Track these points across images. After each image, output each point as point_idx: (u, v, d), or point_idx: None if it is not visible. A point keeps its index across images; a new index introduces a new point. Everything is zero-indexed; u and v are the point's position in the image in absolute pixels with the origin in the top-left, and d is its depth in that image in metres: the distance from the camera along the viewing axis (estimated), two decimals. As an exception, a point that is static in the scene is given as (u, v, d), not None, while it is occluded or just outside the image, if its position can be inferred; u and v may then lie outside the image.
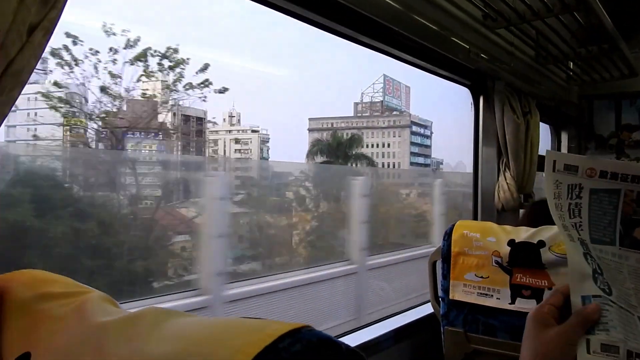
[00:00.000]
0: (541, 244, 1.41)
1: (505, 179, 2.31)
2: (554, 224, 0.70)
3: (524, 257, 1.43)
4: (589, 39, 2.59)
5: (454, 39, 2.05)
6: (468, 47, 2.11)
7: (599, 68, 2.97)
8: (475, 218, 2.36)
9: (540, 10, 2.09)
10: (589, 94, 3.43)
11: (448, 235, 1.57)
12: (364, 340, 1.66)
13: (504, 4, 2.01)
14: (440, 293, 1.62)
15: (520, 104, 2.42)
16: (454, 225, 1.58)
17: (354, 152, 36.87)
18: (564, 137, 3.44)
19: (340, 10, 1.53)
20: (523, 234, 1.45)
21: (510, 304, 1.46)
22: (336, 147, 36.19)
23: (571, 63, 2.96)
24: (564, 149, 3.43)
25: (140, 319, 0.46)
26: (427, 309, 1.82)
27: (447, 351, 1.60)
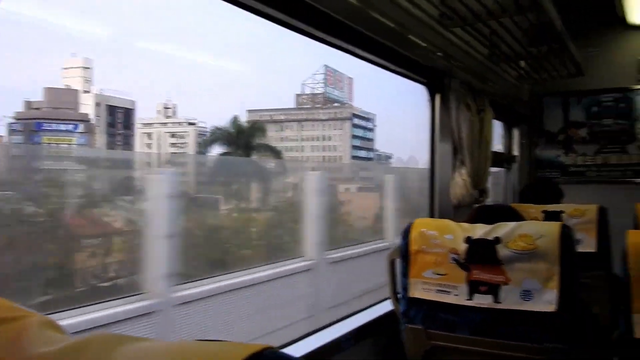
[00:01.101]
0: (497, 240, 1.44)
1: (461, 175, 2.35)
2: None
3: (480, 253, 1.46)
4: (539, 38, 2.66)
5: (411, 37, 2.07)
6: (425, 45, 2.13)
7: (549, 67, 3.06)
8: (431, 214, 2.39)
9: (496, 10, 2.14)
10: (540, 92, 3.54)
11: (406, 234, 1.58)
12: (326, 341, 1.65)
13: (460, 3, 2.04)
14: (399, 291, 1.63)
15: (475, 102, 2.47)
16: (412, 223, 1.60)
17: (257, 142, 33.31)
18: (516, 134, 3.54)
19: (297, 4, 1.51)
20: (479, 231, 1.48)
21: (467, 300, 1.48)
22: (236, 136, 32.39)
23: (523, 62, 3.03)
24: (516, 145, 3.53)
25: (86, 348, 0.42)
26: (387, 307, 1.83)
27: (408, 348, 1.62)
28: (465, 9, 2.13)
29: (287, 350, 1.58)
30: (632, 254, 1.20)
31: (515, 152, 3.54)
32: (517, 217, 1.63)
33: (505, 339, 1.45)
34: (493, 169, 3.55)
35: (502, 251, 1.43)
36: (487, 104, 2.56)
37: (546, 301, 1.38)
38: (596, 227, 2.31)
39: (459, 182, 2.35)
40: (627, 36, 3.34)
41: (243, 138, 31.96)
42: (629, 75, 3.34)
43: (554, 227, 1.40)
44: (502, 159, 3.43)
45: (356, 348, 1.73)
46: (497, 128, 3.53)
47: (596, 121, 3.40)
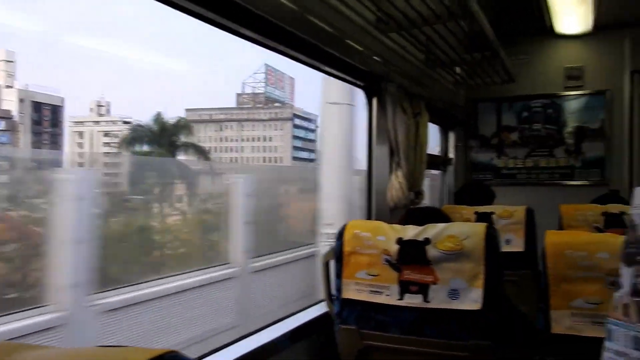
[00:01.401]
0: (426, 241, 1.48)
1: (397, 178, 2.40)
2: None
3: (411, 254, 1.49)
4: (473, 46, 2.75)
5: (349, 41, 2.09)
6: (362, 49, 2.16)
7: (482, 73, 3.18)
8: (369, 216, 2.43)
9: (430, 17, 2.19)
10: (474, 97, 3.66)
11: (340, 235, 1.60)
12: (261, 344, 1.65)
13: (396, 9, 2.09)
14: (333, 292, 1.65)
15: (411, 106, 2.52)
16: (345, 225, 1.62)
17: (183, 141, 31.19)
18: (452, 137, 3.65)
19: (236, 9, 1.50)
20: (410, 232, 1.51)
21: (399, 299, 1.52)
22: (159, 134, 30.27)
23: (458, 68, 3.13)
24: (451, 148, 3.64)
25: None
26: (323, 308, 1.84)
27: (342, 349, 1.64)
28: (400, 15, 2.18)
29: (221, 353, 1.57)
30: (550, 253, 1.27)
31: (451, 155, 3.64)
32: (445, 218, 1.68)
33: (434, 337, 1.49)
34: (430, 172, 3.66)
35: (431, 252, 1.47)
36: (423, 108, 2.62)
37: (472, 300, 1.43)
38: (524, 227, 2.42)
39: (395, 185, 2.40)
40: (554, 45, 3.51)
41: (166, 136, 30.14)
42: (556, 83, 3.50)
43: (479, 228, 1.45)
44: (439, 162, 3.53)
45: (291, 349, 1.73)
46: (434, 131, 3.63)
47: (526, 126, 3.56)
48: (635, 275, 0.86)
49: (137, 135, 31.00)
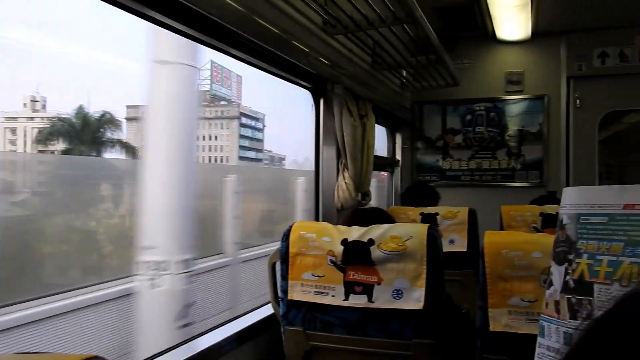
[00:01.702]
0: (371, 242, 1.50)
1: (344, 179, 2.42)
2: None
3: (355, 255, 1.51)
4: (418, 50, 2.81)
5: (295, 43, 2.09)
6: (309, 51, 2.17)
7: (428, 77, 3.25)
8: (316, 217, 2.43)
9: (375, 20, 2.22)
10: (420, 100, 3.74)
11: (286, 237, 1.60)
12: (206, 346, 1.62)
13: (342, 12, 2.11)
14: (279, 294, 1.65)
15: (358, 108, 2.55)
16: (291, 226, 1.62)
17: (107, 138, 27.77)
18: (399, 139, 3.71)
19: (180, 8, 1.48)
20: (355, 233, 1.53)
21: (344, 300, 1.53)
22: (81, 130, 26.80)
23: (404, 71, 3.20)
24: (398, 149, 3.70)
25: None
26: (270, 310, 1.84)
27: (288, 350, 1.63)
28: (347, 17, 2.20)
29: (167, 356, 1.54)
30: (488, 253, 1.30)
31: (399, 156, 3.70)
32: (389, 219, 1.71)
33: (378, 337, 1.51)
34: (378, 173, 3.71)
35: (375, 252, 1.49)
36: (370, 110, 2.66)
37: (415, 299, 1.45)
38: (467, 228, 2.48)
39: (343, 186, 2.42)
40: (496, 51, 3.63)
41: (89, 132, 27.04)
42: (498, 87, 3.63)
43: (421, 228, 1.48)
44: (386, 163, 3.59)
45: (238, 351, 1.71)
46: (382, 133, 3.68)
47: (470, 129, 3.66)
48: (565, 273, 0.90)
49: (55, 130, 27.68)
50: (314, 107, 2.48)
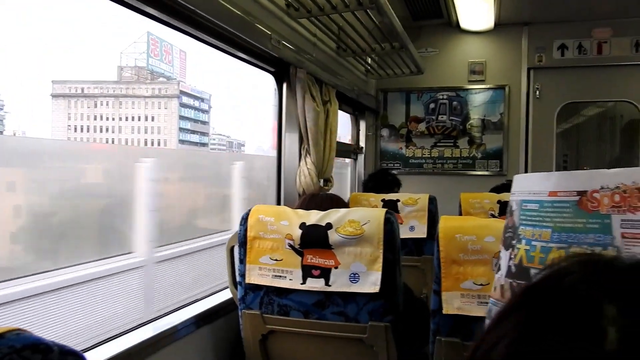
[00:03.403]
0: (329, 226, 1.50)
1: (306, 164, 2.41)
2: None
3: (313, 239, 1.51)
4: (382, 37, 2.82)
5: (258, 25, 2.07)
6: (272, 34, 2.14)
7: (392, 64, 3.26)
8: (278, 202, 2.43)
9: (338, 4, 2.21)
10: (385, 87, 3.76)
11: (244, 220, 1.59)
12: (162, 329, 1.60)
13: (305, -5, 2.09)
14: (237, 277, 1.64)
15: (321, 93, 2.54)
16: (250, 210, 1.61)
17: None
18: (363, 126, 3.72)
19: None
20: (313, 217, 1.53)
21: (301, 284, 1.53)
22: None
23: (369, 58, 3.20)
24: (362, 136, 3.71)
25: None
26: (228, 294, 1.83)
27: (245, 333, 1.63)
28: (310, 1, 2.19)
29: (124, 338, 1.51)
30: (442, 237, 1.32)
31: (362, 143, 3.72)
32: (342, 204, 1.72)
33: (335, 320, 1.52)
34: (343, 159, 3.72)
35: (333, 236, 1.50)
36: (334, 96, 2.65)
37: (371, 283, 1.47)
38: (427, 214, 2.51)
39: (305, 171, 2.41)
40: (460, 40, 3.67)
41: None
42: (461, 76, 3.67)
43: (378, 213, 1.49)
44: (350, 150, 3.60)
45: (195, 335, 1.70)
46: (347, 120, 3.68)
47: (433, 117, 3.70)
48: (509, 258, 0.92)
49: None
50: (277, 92, 2.46)
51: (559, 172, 0.87)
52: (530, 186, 0.90)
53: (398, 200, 2.55)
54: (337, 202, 1.74)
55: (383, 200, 2.59)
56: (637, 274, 0.36)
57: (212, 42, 1.97)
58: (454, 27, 3.60)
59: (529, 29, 3.52)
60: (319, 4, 2.21)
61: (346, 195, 3.33)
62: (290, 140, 2.46)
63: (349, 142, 3.69)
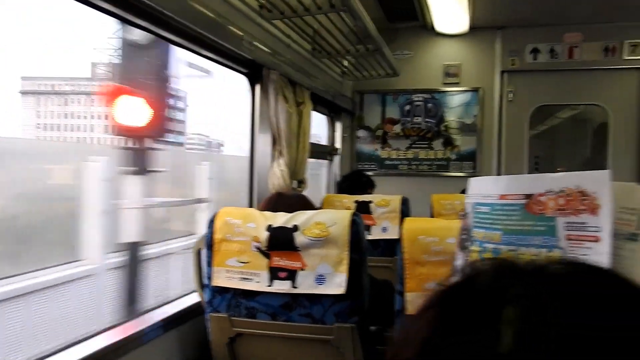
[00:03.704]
0: (295, 228, 1.50)
1: (279, 166, 2.41)
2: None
3: (280, 241, 1.51)
4: (358, 39, 2.83)
5: (230, 27, 2.06)
6: (244, 36, 2.14)
7: (368, 66, 3.28)
8: (250, 204, 2.42)
9: (311, 7, 2.22)
10: (361, 89, 3.77)
11: (211, 223, 1.58)
12: (128, 334, 1.59)
13: (278, -4, 2.09)
14: (204, 280, 1.63)
15: (295, 95, 2.54)
16: (217, 212, 1.60)
17: None
18: (339, 127, 3.73)
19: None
20: (280, 219, 1.53)
21: (268, 286, 1.53)
22: None
23: (345, 60, 3.21)
24: (338, 138, 3.72)
25: None
26: (196, 298, 1.82)
27: (213, 337, 1.62)
28: (282, 2, 2.19)
29: (87, 343, 1.49)
30: (406, 239, 1.33)
31: (338, 144, 3.73)
32: (308, 205, 1.72)
33: (302, 322, 1.53)
34: (320, 161, 3.72)
35: (300, 238, 1.50)
36: (307, 97, 2.65)
37: (337, 284, 1.47)
38: (399, 215, 2.53)
39: (277, 173, 2.41)
40: (435, 43, 3.70)
41: None
42: (436, 79, 3.70)
43: (345, 215, 1.50)
44: (325, 151, 3.60)
45: (161, 339, 1.69)
46: (323, 121, 3.69)
47: (408, 119, 3.72)
48: (463, 260, 0.93)
49: None
50: (249, 93, 2.45)
51: (509, 176, 0.88)
52: (482, 189, 0.91)
53: (371, 202, 2.57)
54: (305, 203, 1.74)
55: (356, 201, 2.60)
56: (540, 278, 0.37)
57: (182, 43, 1.96)
58: (429, 29, 3.62)
59: (503, 33, 3.57)
60: (291, 6, 2.21)
61: (321, 197, 3.33)
62: (263, 142, 2.45)
63: (325, 144, 3.70)
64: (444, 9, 3.21)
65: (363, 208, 2.55)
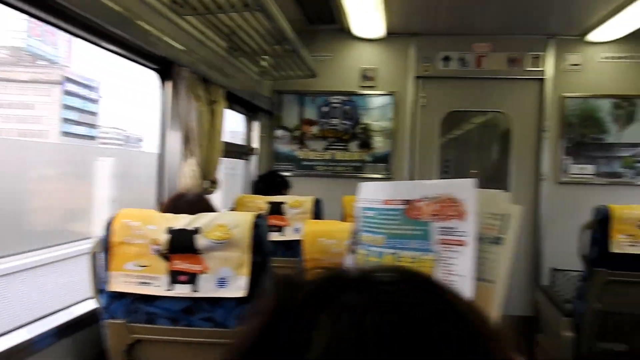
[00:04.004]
0: (197, 230, 1.47)
1: (190, 165, 2.36)
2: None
3: (181, 243, 1.47)
4: (275, 40, 2.82)
5: (138, 22, 1.99)
6: (152, 30, 2.07)
7: (286, 67, 3.28)
8: (159, 205, 2.35)
9: (224, 5, 2.19)
10: (280, 89, 3.77)
11: (109, 225, 1.52)
12: (15, 343, 1.49)
13: (189, -8, 2.04)
14: (101, 286, 1.56)
15: (208, 93, 2.50)
16: (115, 214, 1.54)
17: None
18: (257, 127, 3.70)
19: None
20: (182, 221, 1.49)
21: (168, 290, 1.49)
22: None
23: (264, 60, 3.18)
24: (256, 138, 3.70)
25: None
26: (93, 304, 1.74)
27: (110, 344, 1.55)
28: (195, -1, 2.14)
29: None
30: (306, 241, 1.34)
31: (256, 144, 3.70)
32: (209, 206, 1.70)
33: (204, 326, 1.49)
34: (237, 161, 3.68)
35: (201, 241, 1.47)
36: (222, 96, 2.61)
37: (238, 287, 1.46)
38: (312, 217, 2.55)
39: (188, 172, 2.36)
40: (353, 47, 3.76)
41: None
42: (354, 81, 3.76)
43: (247, 217, 1.49)
44: (241, 151, 3.57)
45: (54, 348, 1.60)
46: (241, 121, 3.65)
47: (326, 120, 3.76)
48: (352, 263, 0.94)
49: None
50: (160, 90, 2.38)
51: (392, 182, 0.90)
52: (369, 194, 0.93)
53: (283, 203, 2.57)
54: (206, 204, 1.71)
55: (270, 202, 2.59)
56: (363, 287, 0.39)
57: (86, 36, 1.87)
58: (348, 33, 3.67)
59: (417, 40, 3.69)
60: (204, 3, 2.16)
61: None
62: (174, 140, 2.39)
63: (243, 143, 3.66)
64: (361, 14, 3.27)
65: (276, 209, 2.55)
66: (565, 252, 2.71)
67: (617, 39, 3.48)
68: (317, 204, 2.58)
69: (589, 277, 2.37)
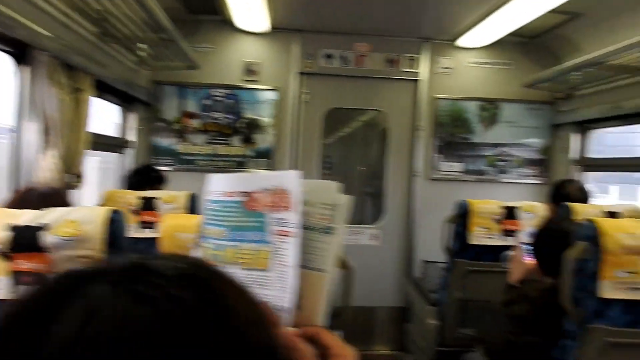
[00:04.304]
0: (44, 227, 1.36)
1: (50, 157, 2.19)
2: None
3: (25, 241, 1.35)
4: (151, 28, 2.70)
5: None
6: (4, 10, 1.89)
7: (165, 57, 3.15)
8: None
9: (88, -13, 2.05)
10: (159, 80, 3.62)
11: (-62, 222, 1.36)
12: None
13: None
14: None
15: (72, 80, 2.33)
16: None
17: None
18: (133, 119, 3.53)
19: None
20: (26, 217, 1.37)
21: (10, 293, 1.36)
22: None
23: (141, 49, 3.03)
24: (132, 130, 3.52)
25: None
26: None
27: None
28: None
29: None
30: (163, 236, 1.29)
31: (131, 137, 3.53)
32: (64, 201, 1.59)
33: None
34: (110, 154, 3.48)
35: (49, 238, 1.36)
36: (89, 84, 2.45)
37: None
38: (187, 212, 2.47)
39: (48, 165, 2.19)
40: (236, 39, 3.71)
41: None
42: (237, 75, 3.71)
43: (101, 212, 1.40)
44: (115, 144, 3.38)
45: None
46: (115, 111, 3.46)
47: (208, 113, 3.68)
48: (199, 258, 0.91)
49: None
50: (15, 75, 2.18)
51: (233, 174, 0.89)
52: (214, 186, 0.91)
53: (156, 198, 2.47)
54: (59, 199, 1.60)
55: (142, 197, 2.47)
56: (112, 281, 0.37)
57: None
58: (231, 25, 3.61)
59: (301, 36, 3.71)
60: (65, -17, 2.02)
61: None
62: (32, 130, 2.20)
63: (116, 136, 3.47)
64: (242, 6, 3.22)
65: (148, 205, 2.44)
66: (436, 244, 2.86)
67: (483, 46, 3.75)
68: (193, 199, 2.51)
69: (452, 268, 2.53)
